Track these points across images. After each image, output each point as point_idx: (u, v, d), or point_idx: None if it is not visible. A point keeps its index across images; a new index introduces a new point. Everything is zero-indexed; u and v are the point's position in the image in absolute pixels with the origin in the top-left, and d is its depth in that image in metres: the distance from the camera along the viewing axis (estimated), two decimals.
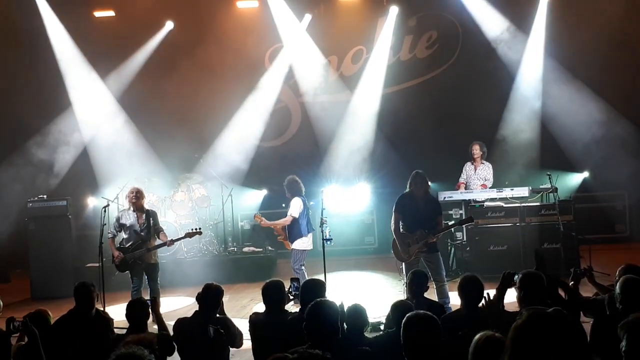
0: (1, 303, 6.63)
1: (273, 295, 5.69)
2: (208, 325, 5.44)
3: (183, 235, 9.82)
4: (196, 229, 9.80)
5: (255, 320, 5.69)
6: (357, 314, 5.58)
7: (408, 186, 8.84)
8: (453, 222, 10.44)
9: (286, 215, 10.12)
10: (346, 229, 13.80)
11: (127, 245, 9.45)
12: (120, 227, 9.53)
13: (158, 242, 9.52)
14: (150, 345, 4.12)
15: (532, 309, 3.14)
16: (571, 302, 5.63)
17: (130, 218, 9.49)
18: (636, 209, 13.79)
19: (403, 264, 8.82)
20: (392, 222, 8.86)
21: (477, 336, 3.68)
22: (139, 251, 9.36)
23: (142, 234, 9.41)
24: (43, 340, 5.07)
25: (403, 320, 4.03)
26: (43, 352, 4.95)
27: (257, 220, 10.63)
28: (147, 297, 8.45)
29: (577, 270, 6.36)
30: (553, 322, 3.08)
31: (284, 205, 11.26)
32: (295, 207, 10.00)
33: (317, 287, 5.74)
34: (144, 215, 9.50)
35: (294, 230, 10.04)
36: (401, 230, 8.77)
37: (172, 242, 9.64)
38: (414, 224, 8.63)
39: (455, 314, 5.72)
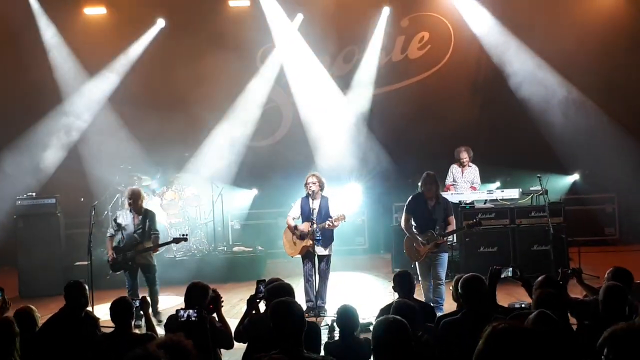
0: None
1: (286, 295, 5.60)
2: (182, 310, 5.33)
3: (170, 240, 9.81)
4: (183, 235, 9.81)
5: (256, 321, 5.63)
6: (347, 316, 5.56)
7: (419, 187, 9.10)
8: (462, 227, 10.18)
9: (333, 215, 9.36)
10: (336, 229, 13.72)
11: (121, 246, 9.45)
12: (118, 226, 9.50)
13: (149, 245, 9.47)
14: (182, 351, 3.64)
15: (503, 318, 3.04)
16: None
17: (126, 218, 9.48)
18: (626, 212, 13.85)
19: (416, 262, 9.00)
20: (403, 221, 9.10)
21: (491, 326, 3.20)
22: (130, 252, 9.35)
23: (136, 235, 9.41)
24: (30, 340, 5.02)
25: (373, 325, 4.00)
26: (32, 351, 4.90)
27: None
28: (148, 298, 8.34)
29: (566, 271, 6.37)
30: (521, 334, 3.00)
31: (292, 203, 11.12)
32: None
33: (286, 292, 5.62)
34: (140, 217, 9.48)
35: (330, 233, 9.49)
36: (413, 230, 8.97)
37: (157, 247, 9.55)
38: (424, 225, 8.84)
39: (453, 314, 5.68)
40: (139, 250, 9.34)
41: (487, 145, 13.62)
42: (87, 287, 6.20)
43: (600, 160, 13.38)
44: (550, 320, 4.23)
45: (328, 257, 9.48)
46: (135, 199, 9.47)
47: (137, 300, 6.11)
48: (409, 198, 9.17)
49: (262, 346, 4.93)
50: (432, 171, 9.08)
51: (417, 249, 8.86)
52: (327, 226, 9.26)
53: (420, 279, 8.93)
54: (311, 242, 9.29)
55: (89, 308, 7.27)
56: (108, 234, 9.63)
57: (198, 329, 5.21)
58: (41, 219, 12.17)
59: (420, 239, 8.82)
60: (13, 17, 14.24)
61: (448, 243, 11.60)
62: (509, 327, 2.95)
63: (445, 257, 8.92)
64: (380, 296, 10.21)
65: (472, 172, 11.94)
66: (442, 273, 8.78)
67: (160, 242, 9.66)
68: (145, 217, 9.50)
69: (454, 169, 12.05)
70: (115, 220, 9.60)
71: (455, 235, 11.60)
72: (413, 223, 9.01)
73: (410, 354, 3.85)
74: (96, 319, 6.34)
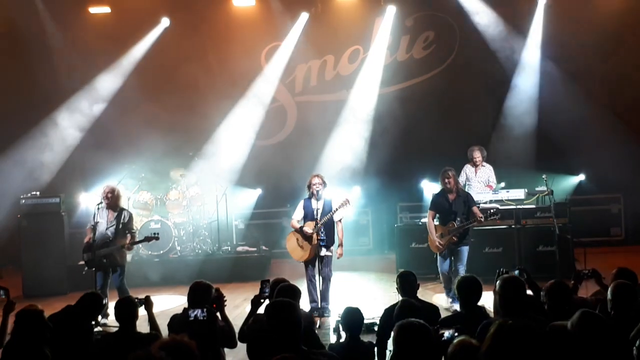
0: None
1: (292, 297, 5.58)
2: (191, 310, 5.30)
3: (142, 238, 9.89)
4: (154, 234, 9.85)
5: (260, 321, 5.62)
6: (352, 317, 5.52)
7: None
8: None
9: (338, 219, 9.47)
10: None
11: (96, 242, 9.45)
12: (95, 222, 9.60)
13: (123, 242, 9.57)
14: (185, 352, 3.59)
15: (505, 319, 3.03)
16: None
17: (101, 215, 9.60)
18: (631, 212, 13.77)
19: (437, 254, 9.53)
20: (427, 217, 9.73)
21: (455, 341, 3.67)
22: (104, 250, 9.40)
23: (108, 232, 9.49)
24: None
25: (394, 328, 3.97)
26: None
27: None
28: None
29: (583, 272, 6.31)
30: (528, 333, 2.97)
31: (289, 205, 11.10)
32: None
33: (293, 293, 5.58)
34: (115, 214, 9.58)
35: (334, 233, 9.52)
36: (437, 223, 9.61)
37: (131, 245, 9.68)
38: (446, 217, 9.48)
39: (453, 316, 5.65)
40: (110, 248, 9.40)
41: (493, 145, 13.54)
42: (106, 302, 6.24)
43: (606, 161, 13.30)
44: (596, 319, 4.05)
45: (330, 257, 9.48)
46: (115, 196, 9.62)
47: (141, 300, 6.09)
48: (433, 195, 9.80)
49: (264, 345, 4.91)
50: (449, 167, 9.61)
51: (438, 241, 9.41)
52: (331, 217, 9.32)
53: (439, 271, 9.51)
54: (316, 242, 9.30)
55: None
56: (88, 226, 9.75)
57: (206, 328, 5.19)
58: (45, 218, 12.17)
59: (439, 232, 9.44)
60: (18, 17, 14.26)
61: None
62: (516, 325, 2.93)
63: (464, 250, 9.39)
64: (384, 296, 10.17)
65: (487, 171, 11.89)
66: (461, 268, 9.25)
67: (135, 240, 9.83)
68: (120, 215, 9.59)
69: (468, 168, 11.98)
70: (93, 215, 9.68)
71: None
72: (437, 218, 9.63)
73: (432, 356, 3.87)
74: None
